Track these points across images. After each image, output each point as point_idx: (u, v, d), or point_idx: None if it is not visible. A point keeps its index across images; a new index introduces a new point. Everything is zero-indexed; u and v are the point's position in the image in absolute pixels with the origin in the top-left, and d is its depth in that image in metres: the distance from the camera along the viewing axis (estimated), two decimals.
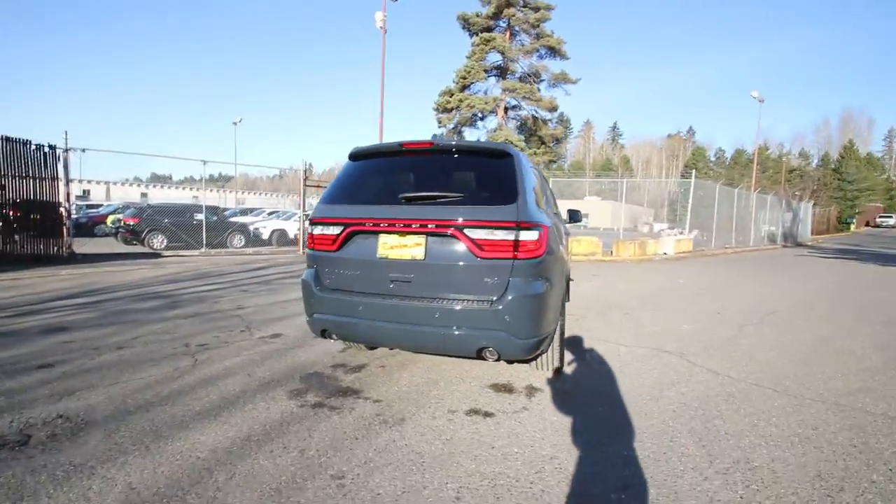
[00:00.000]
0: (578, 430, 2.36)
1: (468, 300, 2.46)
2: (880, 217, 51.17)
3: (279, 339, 4.07)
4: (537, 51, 16.68)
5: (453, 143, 2.97)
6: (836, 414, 2.58)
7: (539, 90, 16.34)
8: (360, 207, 2.79)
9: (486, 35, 15.31)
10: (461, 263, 2.47)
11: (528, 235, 2.41)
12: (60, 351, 3.53)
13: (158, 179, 56.74)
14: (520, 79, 16.63)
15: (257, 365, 3.36)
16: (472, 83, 16.77)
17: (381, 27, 13.94)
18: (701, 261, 14.36)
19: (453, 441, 2.22)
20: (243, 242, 13.36)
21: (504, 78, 16.84)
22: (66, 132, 9.17)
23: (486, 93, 16.83)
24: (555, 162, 17.17)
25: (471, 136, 21.23)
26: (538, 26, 15.86)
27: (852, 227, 47.77)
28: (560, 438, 2.27)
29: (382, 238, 2.64)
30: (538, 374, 3.19)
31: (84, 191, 29.81)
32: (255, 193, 50.56)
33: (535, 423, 2.43)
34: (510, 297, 2.38)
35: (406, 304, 2.54)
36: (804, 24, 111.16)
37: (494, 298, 2.41)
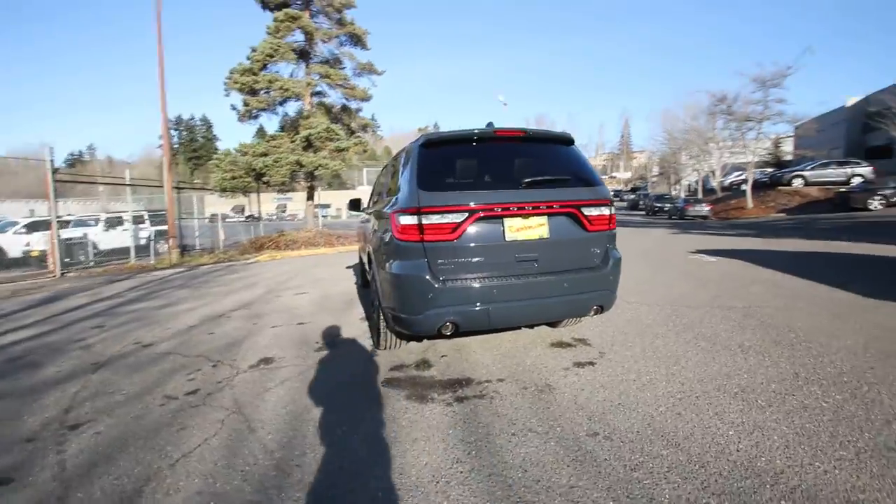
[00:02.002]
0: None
1: (584, 268, 3.02)
2: None
3: (285, 362, 3.58)
4: (338, 37, 16.43)
5: (540, 131, 3.28)
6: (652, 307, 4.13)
7: (350, 78, 16.23)
8: (481, 193, 2.87)
9: (290, 11, 14.15)
10: (577, 238, 2.99)
11: (613, 210, 3.07)
12: None
13: None
14: (324, 63, 16.08)
15: (335, 391, 3.06)
16: (273, 63, 15.32)
17: None
18: None
19: (583, 379, 2.71)
20: None
21: (306, 61, 15.98)
22: None
23: (292, 75, 15.66)
24: (366, 151, 17.40)
25: (270, 122, 19.36)
26: (341, 12, 15.62)
27: None
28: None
29: (508, 221, 2.83)
30: (567, 328, 3.94)
31: None
32: None
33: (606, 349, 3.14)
34: (611, 262, 3.06)
35: (537, 281, 2.88)
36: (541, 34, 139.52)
37: (600, 263, 3.02)
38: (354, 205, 5.96)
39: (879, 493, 1.71)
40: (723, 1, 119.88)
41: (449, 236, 2.79)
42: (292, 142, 15.38)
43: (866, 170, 21.58)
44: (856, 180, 20.95)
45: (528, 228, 2.90)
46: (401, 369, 3.25)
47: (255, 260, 11.74)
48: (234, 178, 14.93)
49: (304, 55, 15.92)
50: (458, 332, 2.90)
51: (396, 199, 3.11)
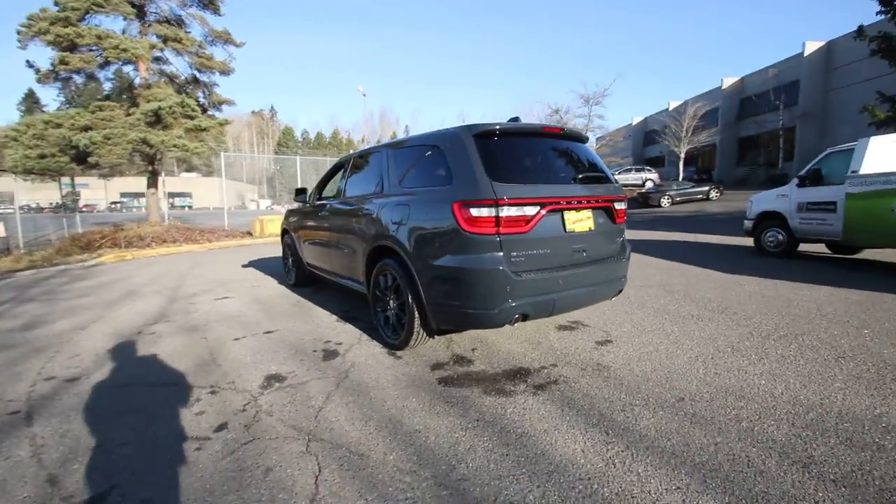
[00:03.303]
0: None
1: (613, 256, 3.36)
2: None
3: (302, 377, 3.22)
4: None
5: (570, 129, 3.44)
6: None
7: (205, 46, 13.66)
8: (545, 187, 2.96)
9: None
10: (611, 229, 3.33)
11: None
12: None
13: None
14: (164, 23, 13.27)
15: (401, 398, 2.84)
16: (94, 14, 12.00)
17: None
18: None
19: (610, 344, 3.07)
20: None
21: (142, 19, 12.99)
22: None
23: (124, 32, 12.48)
24: (224, 134, 15.04)
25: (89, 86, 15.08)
26: None
27: None
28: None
29: (567, 214, 2.96)
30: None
31: None
32: None
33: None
34: (628, 250, 3.53)
35: (586, 270, 3.12)
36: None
37: (622, 252, 3.44)
38: (300, 195, 5.32)
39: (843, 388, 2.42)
40: (563, 22, 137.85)
41: (522, 228, 2.80)
42: (128, 114, 12.50)
43: (655, 175, 27.73)
44: (648, 184, 26.74)
45: (580, 221, 3.09)
46: (443, 367, 3.13)
47: (96, 262, 9.26)
48: (41, 156, 11.46)
49: (140, 11, 12.97)
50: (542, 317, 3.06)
51: (442, 189, 2.96)
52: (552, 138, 3.28)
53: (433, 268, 2.96)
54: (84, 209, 39.88)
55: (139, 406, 2.63)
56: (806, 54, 23.77)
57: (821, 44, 23.50)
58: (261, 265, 8.14)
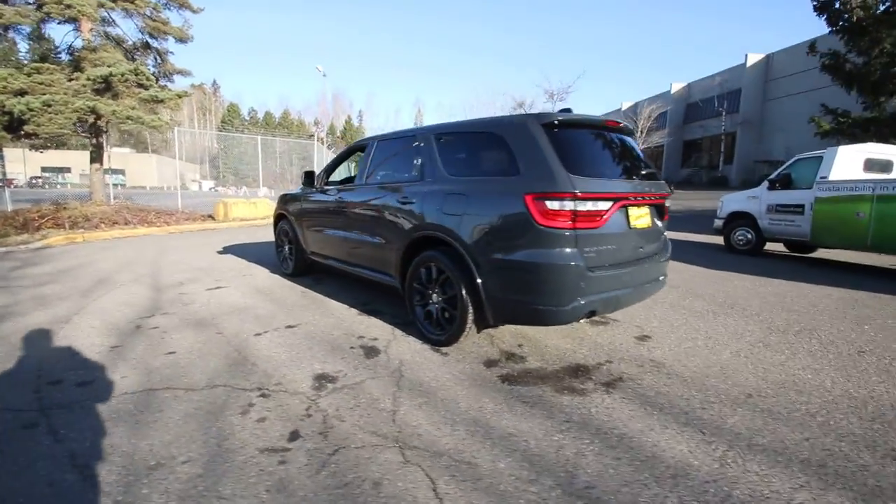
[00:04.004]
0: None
1: (661, 253, 3.38)
2: None
3: (353, 376, 3.01)
4: None
5: (626, 125, 3.37)
6: None
7: (160, 9, 12.25)
8: (614, 182, 2.93)
9: None
10: (660, 227, 3.36)
11: None
12: None
13: None
14: None
15: (475, 398, 2.71)
16: None
17: None
18: None
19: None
20: None
21: None
22: None
23: None
24: (181, 108, 13.73)
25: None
26: None
27: None
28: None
29: (631, 210, 2.94)
30: None
31: None
32: None
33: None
34: (669, 248, 3.56)
35: (643, 266, 3.12)
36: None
37: (665, 250, 3.47)
38: (308, 178, 4.94)
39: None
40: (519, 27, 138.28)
41: (596, 224, 2.73)
42: (70, 79, 11.11)
43: None
44: None
45: (641, 217, 3.07)
46: (497, 364, 3.02)
47: (42, 244, 8.18)
48: None
49: None
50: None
51: (507, 179, 2.83)
52: (611, 131, 3.22)
53: (498, 262, 2.82)
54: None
55: (186, 413, 2.31)
56: (748, 65, 25.56)
57: (761, 56, 25.35)
58: (240, 252, 7.57)
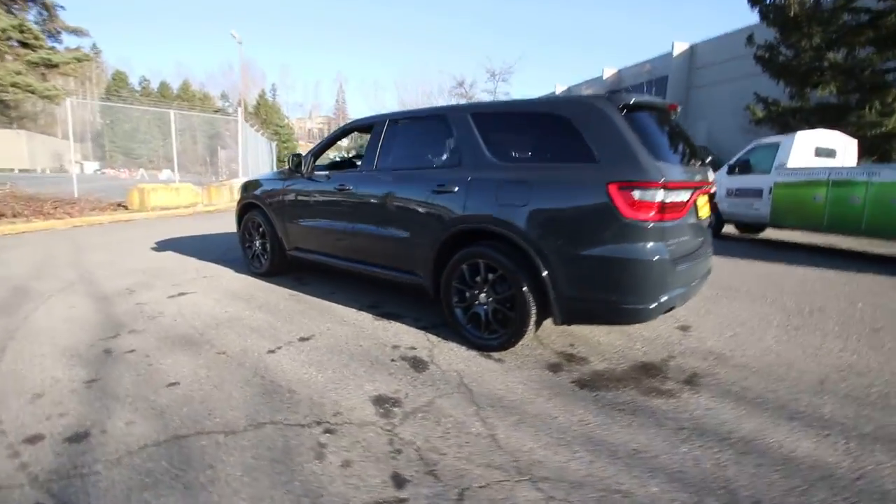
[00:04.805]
0: None
1: (710, 245, 3.34)
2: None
3: (415, 397, 2.74)
4: None
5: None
6: None
7: None
8: (688, 169, 2.85)
9: None
10: (710, 218, 3.30)
11: None
12: None
13: None
14: None
15: (569, 407, 2.55)
16: None
17: None
18: None
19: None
20: None
21: None
22: None
23: None
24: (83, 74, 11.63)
25: None
26: None
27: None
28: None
29: (699, 200, 2.88)
30: None
31: None
32: None
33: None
34: (711, 240, 3.50)
35: (703, 257, 3.12)
36: None
37: (711, 241, 3.42)
38: (296, 162, 4.38)
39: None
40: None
41: (679, 214, 2.66)
42: None
43: None
44: None
45: (703, 207, 3.05)
46: (563, 369, 2.88)
47: None
48: None
49: None
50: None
51: (583, 166, 2.65)
52: (672, 115, 3.16)
53: (573, 257, 2.65)
54: None
55: (246, 465, 1.88)
56: (675, 54, 27.58)
57: (686, 45, 27.45)
58: (181, 248, 6.65)
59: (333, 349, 3.10)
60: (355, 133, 4.76)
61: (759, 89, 14.50)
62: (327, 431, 2.15)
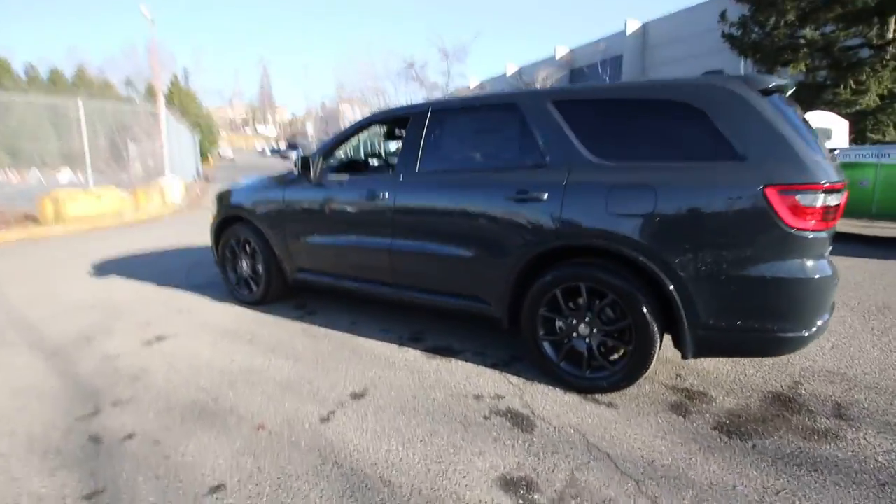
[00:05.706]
0: None
1: None
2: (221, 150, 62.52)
3: (547, 474, 2.21)
4: None
5: None
6: None
7: None
8: (836, 165, 2.51)
9: None
10: None
11: None
12: None
13: None
14: None
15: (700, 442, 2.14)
16: None
17: None
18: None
19: None
20: None
21: None
22: None
23: None
24: None
25: None
26: None
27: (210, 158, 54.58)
28: None
29: None
30: None
31: None
32: None
33: None
34: None
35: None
36: None
37: None
38: (304, 165, 3.70)
39: None
40: None
41: (835, 221, 2.33)
42: None
43: None
44: None
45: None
46: (692, 411, 2.53)
47: None
48: None
49: None
50: None
51: (731, 165, 2.26)
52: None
53: (721, 279, 2.27)
54: None
55: None
56: (628, 32, 28.37)
57: (639, 23, 28.31)
58: (131, 271, 5.68)
59: (403, 408, 2.56)
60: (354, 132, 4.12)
61: (718, 67, 15.02)
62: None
